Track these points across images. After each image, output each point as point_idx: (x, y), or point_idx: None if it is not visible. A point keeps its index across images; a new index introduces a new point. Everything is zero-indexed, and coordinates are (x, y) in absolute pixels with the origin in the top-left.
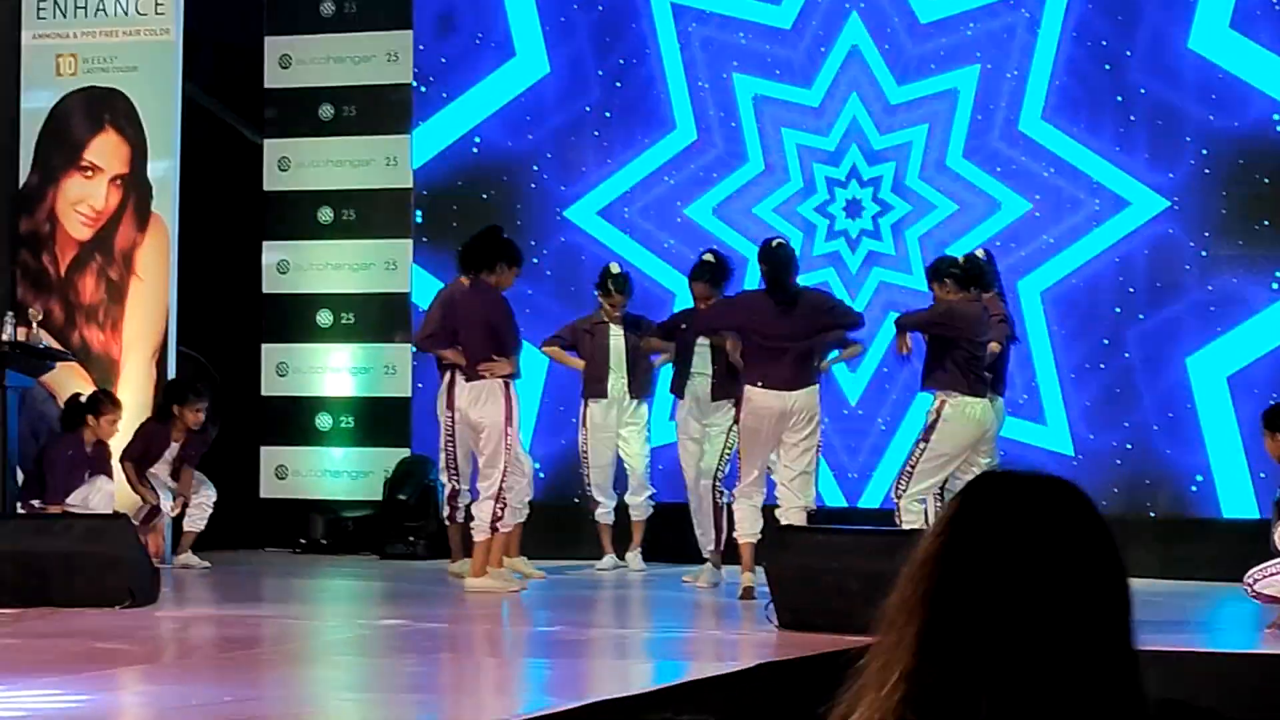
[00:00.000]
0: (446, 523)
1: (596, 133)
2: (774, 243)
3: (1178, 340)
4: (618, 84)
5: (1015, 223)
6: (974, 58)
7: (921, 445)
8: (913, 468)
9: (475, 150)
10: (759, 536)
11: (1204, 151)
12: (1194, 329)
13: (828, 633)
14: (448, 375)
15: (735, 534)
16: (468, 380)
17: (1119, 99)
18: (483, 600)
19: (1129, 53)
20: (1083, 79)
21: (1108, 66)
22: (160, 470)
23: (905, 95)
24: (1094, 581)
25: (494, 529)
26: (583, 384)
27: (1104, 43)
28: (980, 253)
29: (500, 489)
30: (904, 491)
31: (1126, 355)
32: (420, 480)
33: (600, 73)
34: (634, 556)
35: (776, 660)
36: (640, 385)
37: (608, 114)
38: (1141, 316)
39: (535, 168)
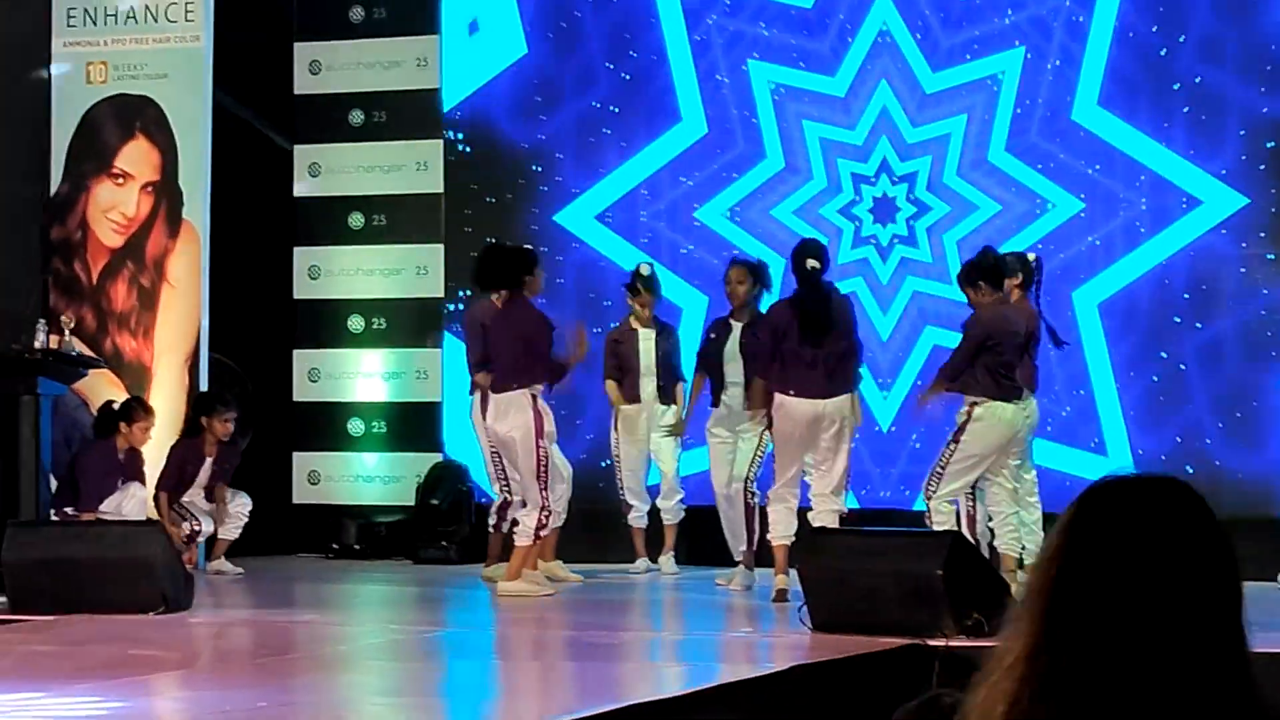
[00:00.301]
0: (490, 530)
1: (608, 130)
2: (808, 263)
3: (1238, 347)
4: (625, 76)
5: (1064, 224)
6: (1016, 42)
7: (952, 446)
8: (943, 469)
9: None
10: (793, 539)
11: (1269, 144)
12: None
13: (862, 635)
14: (478, 393)
15: (769, 536)
16: (495, 392)
17: (1175, 87)
18: (516, 604)
19: (1182, 38)
20: (1135, 65)
21: (1163, 52)
22: (195, 495)
23: (941, 84)
24: (1209, 581)
25: (537, 536)
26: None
27: (1155, 28)
28: (1031, 256)
29: (545, 500)
30: (934, 493)
31: (1182, 368)
32: (452, 485)
33: (609, 65)
34: (667, 560)
35: (810, 663)
36: (670, 389)
37: (615, 109)
38: (1199, 325)
39: (536, 168)
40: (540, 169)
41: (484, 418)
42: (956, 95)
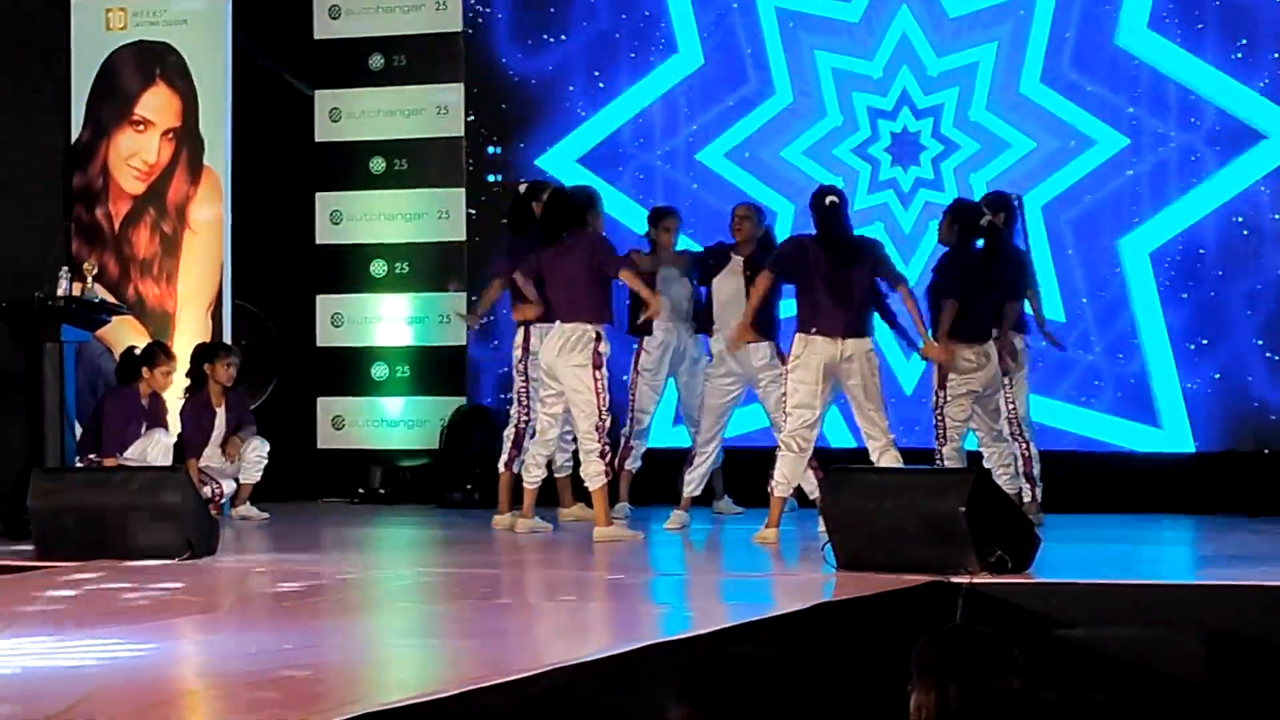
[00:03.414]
0: (500, 470)
1: (610, 64)
2: (827, 200)
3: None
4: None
5: (1108, 162)
6: None
7: (939, 394)
8: (940, 417)
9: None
10: (790, 491)
11: None
12: None
13: (885, 572)
14: (522, 327)
15: (771, 485)
16: (565, 321)
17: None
18: (540, 545)
19: None
20: None
21: None
22: (212, 456)
23: (968, 6)
24: None
25: (606, 473)
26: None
27: None
28: (1014, 196)
29: (600, 436)
30: (943, 444)
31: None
32: (476, 429)
33: None
34: (726, 503)
35: (835, 600)
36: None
37: (617, 37)
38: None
39: (566, 105)
40: (561, 110)
41: (524, 348)
42: (986, 19)
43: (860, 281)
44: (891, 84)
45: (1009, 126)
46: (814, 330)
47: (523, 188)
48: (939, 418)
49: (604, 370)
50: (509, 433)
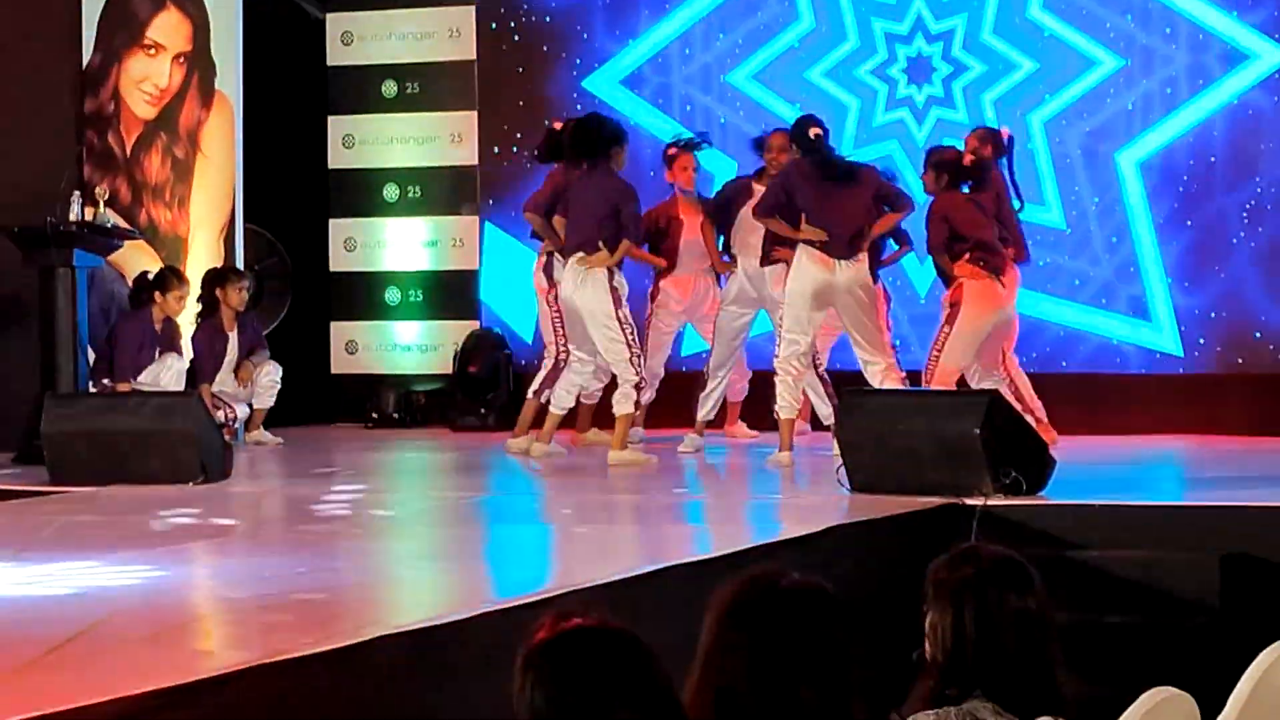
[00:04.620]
0: (529, 396)
1: None
2: (811, 132)
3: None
4: None
5: (1105, 83)
6: None
7: (946, 329)
8: (938, 353)
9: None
10: (795, 414)
11: None
12: None
13: (900, 495)
14: (543, 254)
15: (775, 409)
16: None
17: None
18: (555, 468)
19: None
20: None
21: None
22: (225, 381)
23: None
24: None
25: (638, 404)
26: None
27: None
28: (1004, 130)
29: (638, 370)
30: (931, 378)
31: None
32: (490, 353)
33: None
34: (740, 427)
35: (849, 523)
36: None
37: None
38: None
39: (578, 27)
40: (573, 32)
41: (547, 278)
42: None
43: (854, 204)
44: (907, 8)
45: (1015, 48)
46: (807, 249)
47: (558, 124)
48: (934, 358)
49: (625, 305)
50: (547, 362)
